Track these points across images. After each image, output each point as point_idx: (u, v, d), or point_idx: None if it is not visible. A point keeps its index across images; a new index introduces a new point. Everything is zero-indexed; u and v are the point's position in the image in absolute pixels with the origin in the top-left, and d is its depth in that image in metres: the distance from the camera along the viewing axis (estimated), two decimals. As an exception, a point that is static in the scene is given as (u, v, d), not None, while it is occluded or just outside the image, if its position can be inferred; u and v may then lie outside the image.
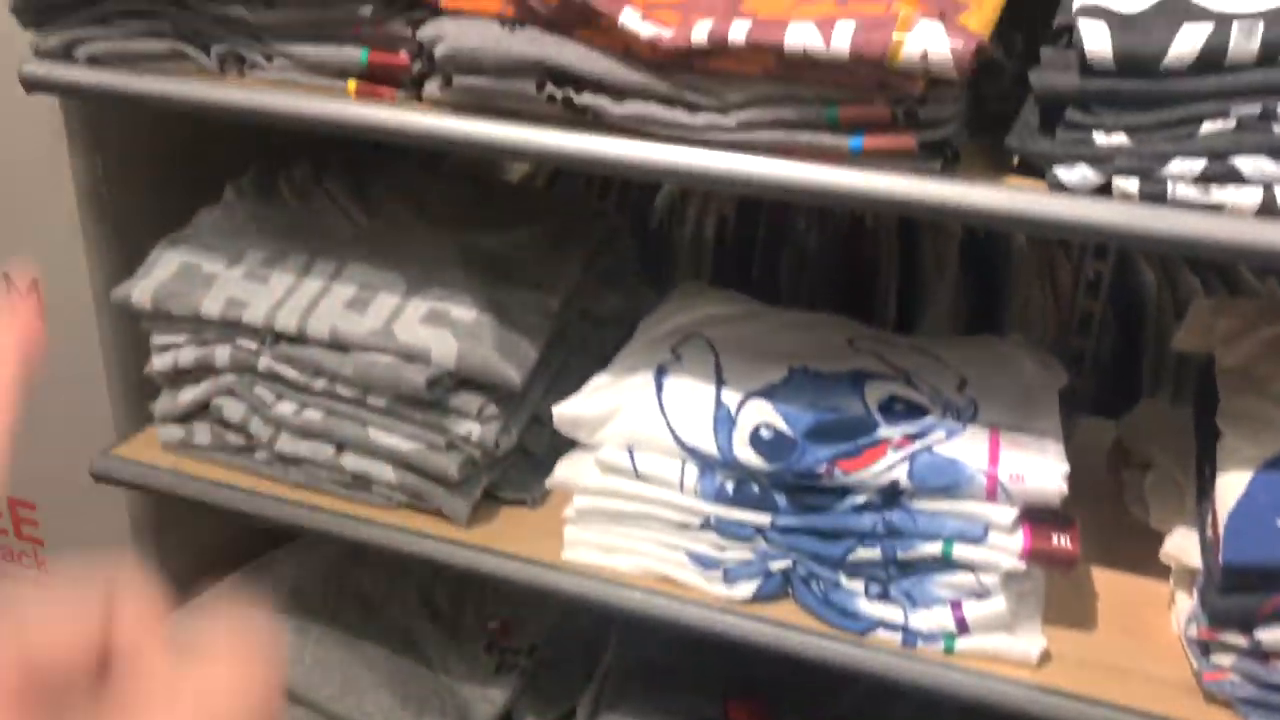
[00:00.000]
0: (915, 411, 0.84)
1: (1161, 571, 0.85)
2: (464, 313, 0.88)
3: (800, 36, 0.65)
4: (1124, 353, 1.18)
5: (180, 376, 0.95)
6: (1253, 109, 0.63)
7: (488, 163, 1.26)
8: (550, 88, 0.73)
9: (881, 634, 0.81)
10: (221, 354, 0.92)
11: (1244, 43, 0.62)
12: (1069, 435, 0.85)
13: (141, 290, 0.93)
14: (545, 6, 0.72)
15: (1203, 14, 0.64)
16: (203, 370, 0.94)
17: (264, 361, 0.91)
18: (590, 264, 1.00)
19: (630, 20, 0.69)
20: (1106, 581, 0.88)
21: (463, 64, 0.75)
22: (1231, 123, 0.64)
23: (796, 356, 0.90)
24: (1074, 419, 1.07)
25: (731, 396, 0.85)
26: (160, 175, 1.02)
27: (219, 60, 0.83)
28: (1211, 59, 0.63)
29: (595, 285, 1.01)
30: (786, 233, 1.27)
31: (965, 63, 0.63)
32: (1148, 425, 1.02)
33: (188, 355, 0.94)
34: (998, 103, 0.75)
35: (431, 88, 0.77)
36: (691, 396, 0.85)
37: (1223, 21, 0.63)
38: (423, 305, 0.89)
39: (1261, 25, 0.62)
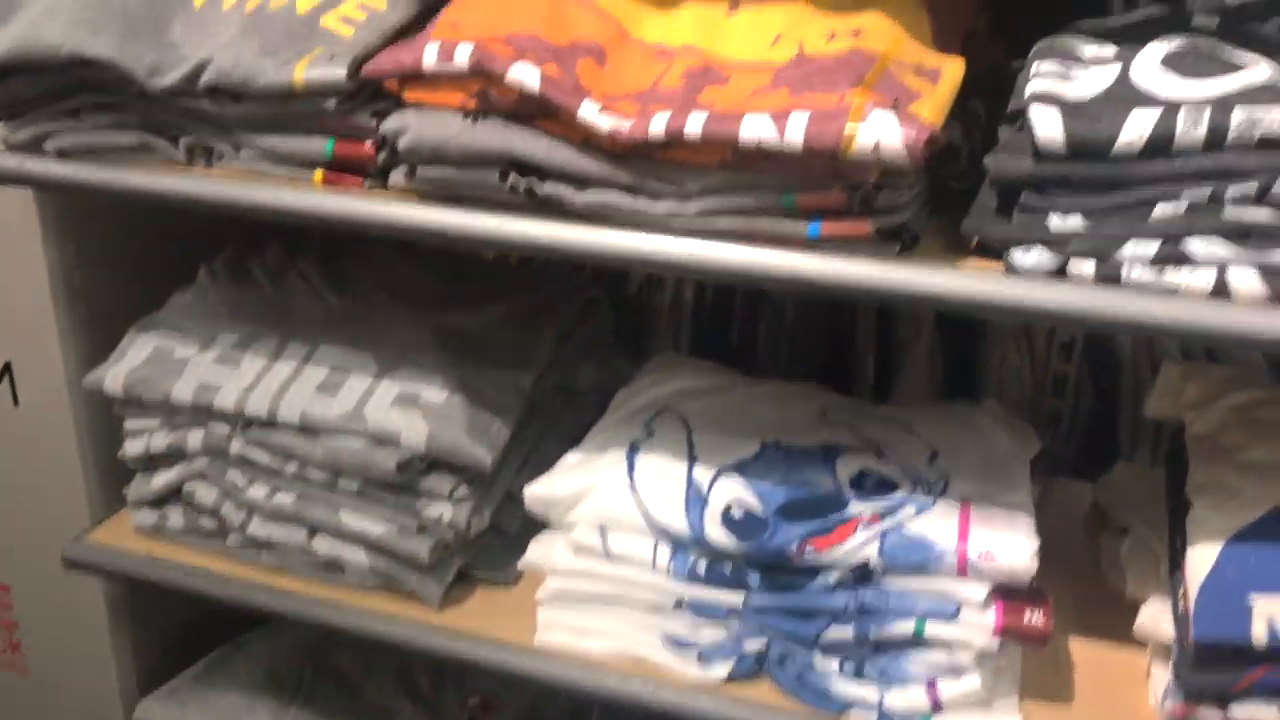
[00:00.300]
0: (886, 486, 0.84)
1: (1139, 641, 0.84)
2: (435, 394, 0.89)
3: (755, 129, 0.66)
4: (1101, 413, 1.18)
5: (153, 461, 0.95)
6: (1202, 192, 0.64)
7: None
8: (513, 178, 0.74)
9: (856, 714, 0.80)
10: (194, 439, 0.93)
11: (1191, 129, 0.63)
12: (1044, 500, 0.85)
13: (113, 376, 0.93)
14: (506, 99, 0.73)
15: (1151, 100, 0.65)
16: (175, 455, 0.94)
17: (236, 446, 0.91)
18: (564, 339, 1.01)
19: (589, 113, 0.70)
20: (1084, 653, 0.87)
21: (426, 155, 0.75)
22: (1183, 205, 0.64)
23: (769, 430, 0.91)
24: (1050, 482, 1.07)
25: (703, 473, 0.85)
26: (133, 259, 1.02)
27: (187, 151, 0.84)
28: (1160, 144, 0.64)
29: (570, 360, 1.02)
30: (765, 298, 1.28)
31: (917, 153, 0.64)
32: (1124, 488, 1.02)
33: (160, 440, 0.94)
34: (958, 181, 0.76)
35: (397, 177, 0.78)
36: (663, 474, 0.85)
37: (1170, 108, 0.64)
38: (394, 387, 0.90)
39: (1208, 112, 0.63)
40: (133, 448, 0.95)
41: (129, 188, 0.83)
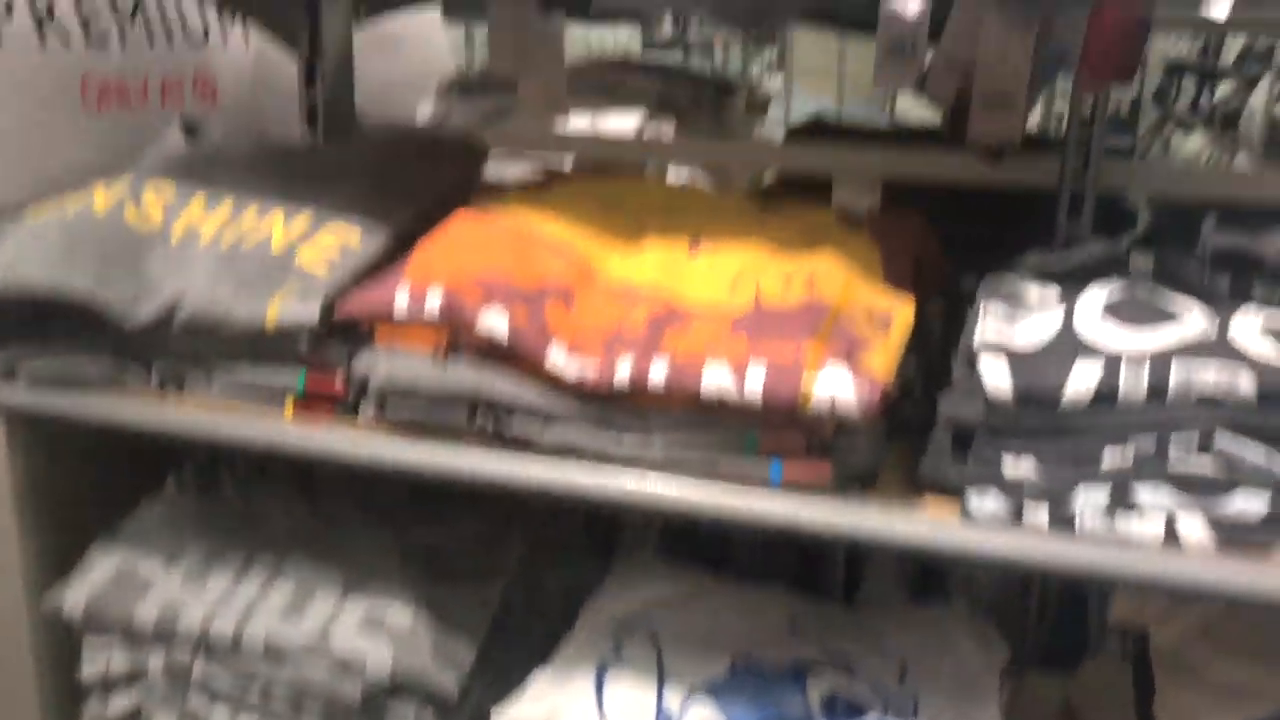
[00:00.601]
0: (856, 711, 0.83)
1: None
2: (400, 615, 0.88)
3: (715, 379, 0.68)
4: (1070, 606, 1.18)
5: (111, 683, 0.93)
6: (1147, 442, 0.66)
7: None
8: (481, 416, 0.76)
9: None
10: (155, 661, 0.91)
11: (1133, 384, 0.66)
12: (1015, 700, 0.85)
13: (74, 598, 0.92)
14: (475, 343, 0.75)
15: (1094, 351, 0.68)
16: (135, 677, 0.92)
17: (198, 670, 0.90)
18: (533, 546, 1.01)
19: (557, 359, 0.72)
20: None
21: (396, 395, 0.77)
22: (1130, 454, 0.66)
23: (739, 643, 0.90)
24: (1021, 680, 1.06)
25: (673, 698, 0.84)
26: (102, 466, 1.02)
27: (159, 380, 0.85)
28: (1105, 397, 0.66)
29: (539, 566, 1.02)
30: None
31: (871, 410, 0.66)
32: (1094, 689, 1.02)
33: (120, 662, 0.92)
34: (915, 409, 0.78)
35: (366, 411, 0.80)
36: (633, 700, 0.84)
37: (1112, 362, 0.67)
38: (359, 608, 0.89)
39: (1147, 367, 0.66)
40: (90, 670, 0.93)
41: (100, 419, 0.84)
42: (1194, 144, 5.34)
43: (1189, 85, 5.79)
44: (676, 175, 1.28)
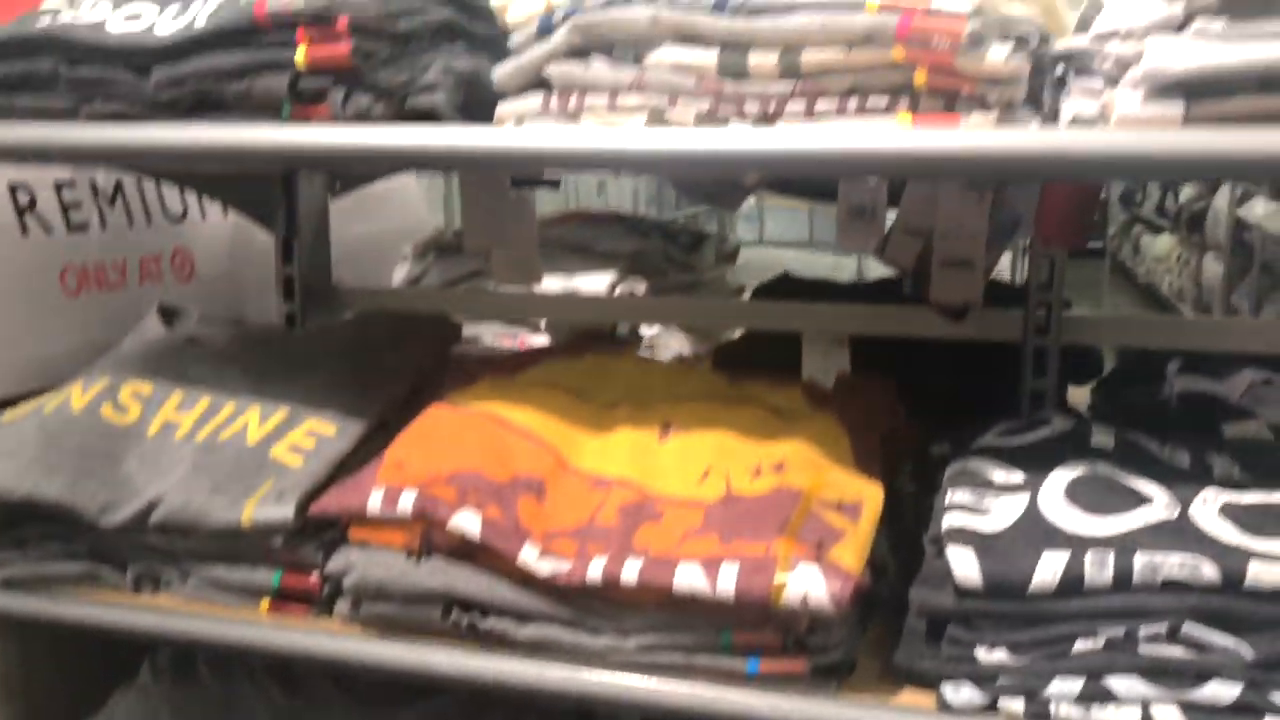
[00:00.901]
0: None
1: None
2: (381, 810, 0.86)
3: (687, 578, 0.69)
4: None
5: None
6: (1117, 631, 0.66)
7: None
8: (456, 614, 0.76)
9: None
10: None
11: (1098, 572, 0.67)
12: None
13: (46, 801, 0.90)
14: (449, 541, 0.75)
15: (1059, 538, 0.69)
16: None
17: None
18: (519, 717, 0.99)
19: (529, 558, 0.72)
20: None
21: (371, 592, 0.77)
22: (1100, 642, 0.67)
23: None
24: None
25: None
26: (76, 656, 1.01)
27: (134, 581, 0.85)
28: (1072, 585, 0.67)
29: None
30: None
31: (843, 604, 0.66)
32: None
33: None
34: (889, 588, 0.78)
35: (342, 608, 0.79)
36: None
37: (1078, 550, 0.67)
38: (339, 803, 0.87)
39: (1112, 555, 0.67)
40: None
41: (75, 620, 0.84)
42: (1163, 245, 5.47)
43: (1153, 187, 5.95)
44: (649, 330, 1.30)
